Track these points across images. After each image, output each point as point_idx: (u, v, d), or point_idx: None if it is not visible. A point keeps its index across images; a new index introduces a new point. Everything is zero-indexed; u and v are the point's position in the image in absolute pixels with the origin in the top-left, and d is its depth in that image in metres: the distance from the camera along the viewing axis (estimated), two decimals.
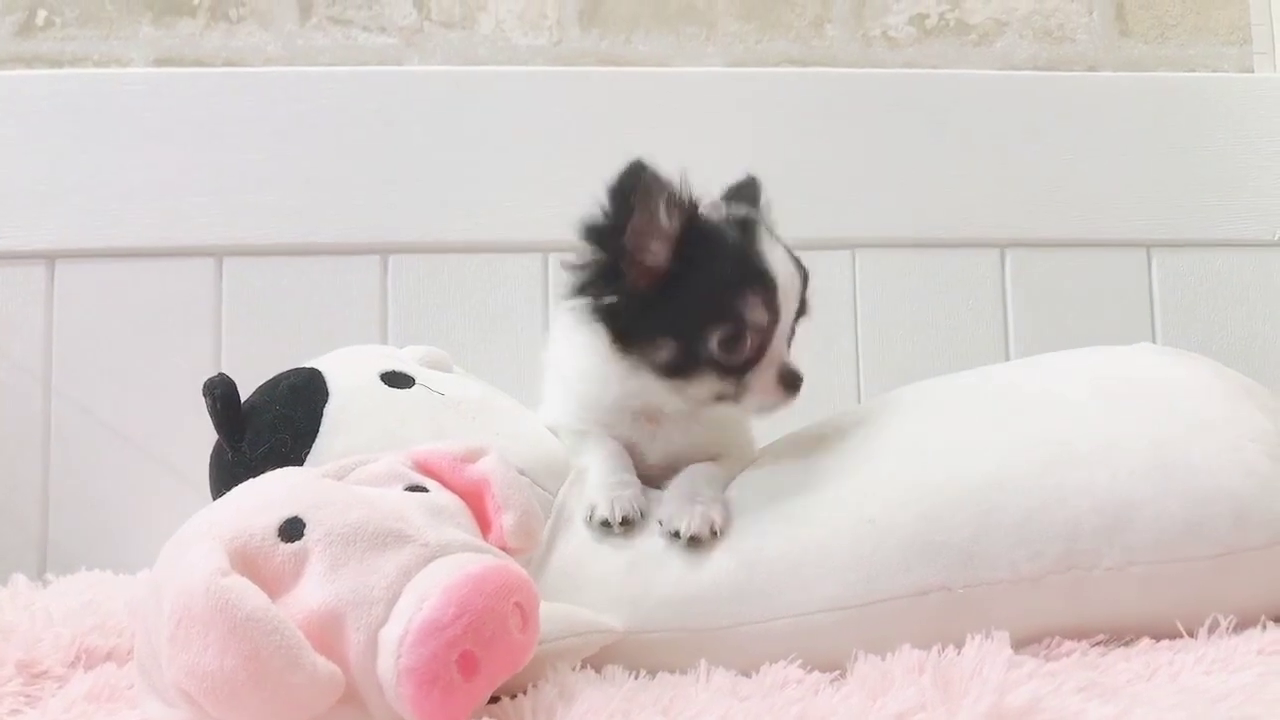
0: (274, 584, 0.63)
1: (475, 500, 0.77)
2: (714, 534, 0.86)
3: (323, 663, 0.60)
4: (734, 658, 0.80)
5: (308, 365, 1.03)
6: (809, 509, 0.89)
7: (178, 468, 1.40)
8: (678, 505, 0.88)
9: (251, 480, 0.75)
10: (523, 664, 0.68)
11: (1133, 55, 1.65)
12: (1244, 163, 1.58)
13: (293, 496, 0.69)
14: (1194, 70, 1.65)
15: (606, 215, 0.91)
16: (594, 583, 0.87)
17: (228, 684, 0.58)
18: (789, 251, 0.98)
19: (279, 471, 0.78)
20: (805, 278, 0.98)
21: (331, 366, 1.02)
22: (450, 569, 0.65)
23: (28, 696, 0.78)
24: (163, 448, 1.42)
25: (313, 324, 1.45)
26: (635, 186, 0.90)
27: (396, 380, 1.02)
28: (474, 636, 0.62)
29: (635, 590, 0.85)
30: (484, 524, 0.76)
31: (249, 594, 0.60)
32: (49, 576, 1.17)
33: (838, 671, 0.78)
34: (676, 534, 0.86)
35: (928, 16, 1.63)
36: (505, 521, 0.75)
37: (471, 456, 0.79)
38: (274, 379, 1.01)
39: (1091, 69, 1.64)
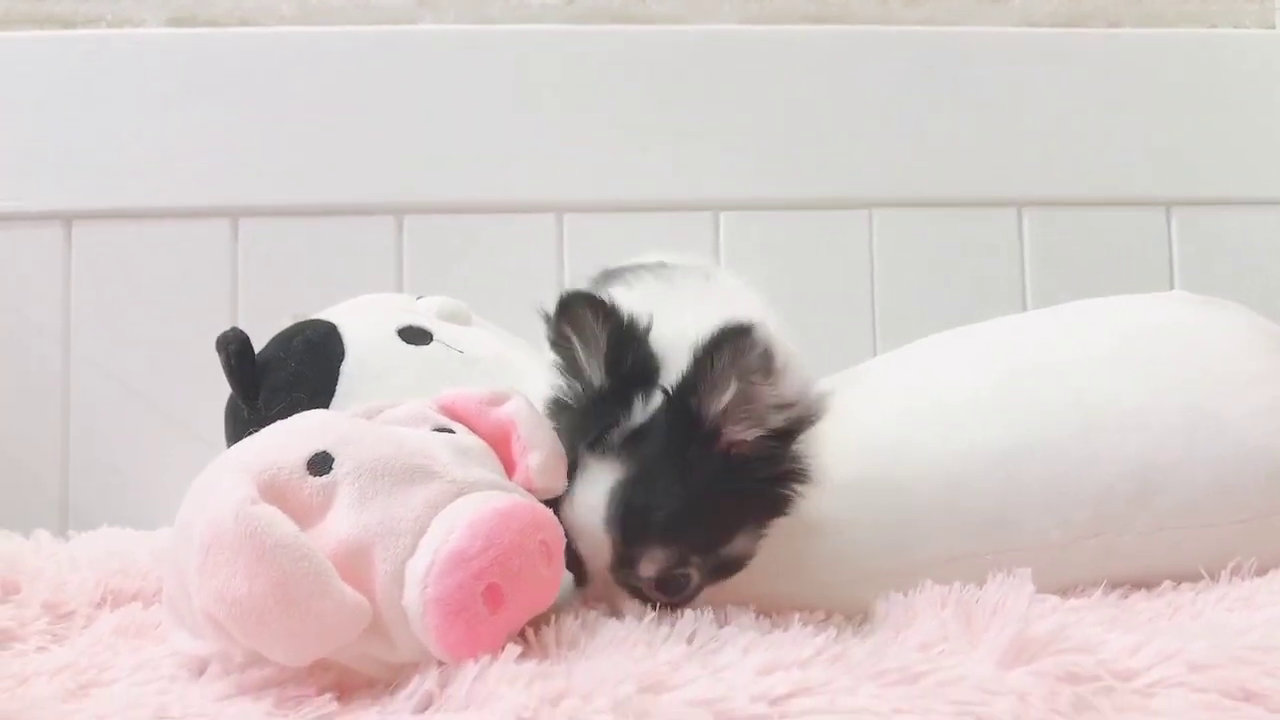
0: (303, 516, 0.63)
1: (501, 444, 0.77)
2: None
3: (350, 592, 0.60)
4: None
5: (323, 318, 1.03)
6: (831, 479, 0.85)
7: (196, 427, 1.41)
8: None
9: (280, 421, 0.75)
10: (548, 602, 0.68)
11: (1153, 10, 1.63)
12: (1265, 120, 1.56)
13: (321, 432, 0.69)
14: (1215, 26, 1.63)
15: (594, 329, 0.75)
16: None
17: (256, 609, 0.58)
18: (633, 491, 0.73)
19: (309, 412, 0.78)
20: (642, 542, 0.73)
21: (347, 320, 1.02)
22: (477, 504, 0.65)
23: (54, 635, 0.78)
24: (180, 408, 1.43)
25: (328, 284, 1.41)
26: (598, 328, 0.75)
27: (414, 336, 1.01)
28: (500, 569, 0.62)
29: None
30: (509, 467, 0.76)
31: (278, 521, 0.60)
32: (70, 533, 1.18)
33: (860, 616, 0.78)
34: None
35: None
36: (531, 462, 0.74)
37: (497, 400, 0.79)
38: (288, 331, 1.01)
39: (1112, 25, 1.62)
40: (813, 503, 0.83)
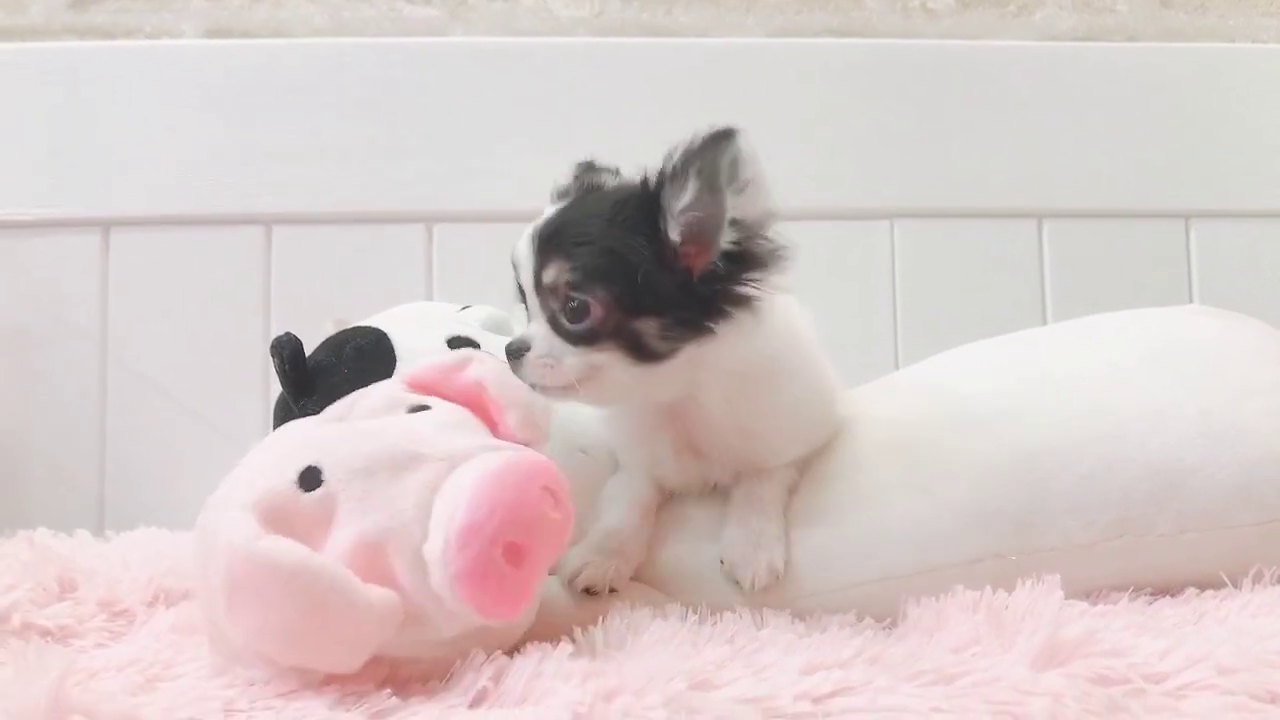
0: (308, 533, 0.65)
1: (475, 406, 0.78)
2: (777, 579, 0.83)
3: (376, 592, 0.62)
4: None
5: (372, 325, 1.04)
6: (861, 481, 0.90)
7: (230, 430, 1.44)
8: (740, 551, 0.84)
9: (264, 441, 0.76)
10: (564, 542, 0.70)
11: (1173, 25, 1.65)
12: None
13: (304, 447, 0.70)
14: (1234, 40, 1.65)
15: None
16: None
17: (296, 634, 0.61)
18: (553, 226, 0.85)
19: (285, 427, 0.79)
20: (550, 251, 0.83)
21: (396, 329, 1.02)
22: (472, 472, 0.66)
23: (111, 632, 0.81)
24: (215, 410, 1.45)
25: (359, 290, 1.46)
26: None
27: (462, 346, 1.03)
28: (512, 527, 0.63)
29: (692, 569, 0.87)
30: (491, 427, 0.77)
31: (289, 549, 0.62)
32: (109, 533, 1.21)
33: (889, 619, 0.80)
34: (739, 583, 0.82)
35: None
36: (509, 420, 0.76)
37: (461, 364, 0.80)
38: (338, 337, 1.02)
39: (1131, 39, 1.64)
40: (838, 509, 0.86)
